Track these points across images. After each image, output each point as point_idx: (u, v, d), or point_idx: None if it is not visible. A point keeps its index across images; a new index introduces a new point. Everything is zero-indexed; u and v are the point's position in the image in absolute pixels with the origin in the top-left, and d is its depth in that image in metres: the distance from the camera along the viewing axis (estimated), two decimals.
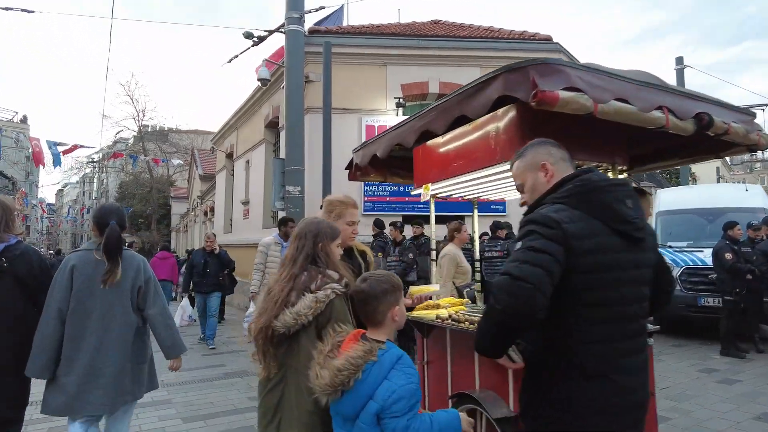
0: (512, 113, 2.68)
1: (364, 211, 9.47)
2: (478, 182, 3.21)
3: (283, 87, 10.14)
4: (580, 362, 1.49)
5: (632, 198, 1.61)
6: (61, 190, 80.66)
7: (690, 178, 19.69)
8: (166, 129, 36.70)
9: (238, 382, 5.63)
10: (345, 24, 12.16)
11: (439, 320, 2.92)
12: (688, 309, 7.44)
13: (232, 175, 15.47)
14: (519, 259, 1.45)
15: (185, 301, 7.31)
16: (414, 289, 2.89)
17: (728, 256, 6.58)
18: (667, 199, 9.86)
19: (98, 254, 2.63)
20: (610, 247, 1.52)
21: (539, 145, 1.79)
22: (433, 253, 3.70)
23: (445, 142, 3.23)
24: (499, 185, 3.30)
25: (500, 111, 2.71)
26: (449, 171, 3.15)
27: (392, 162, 3.96)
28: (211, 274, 7.57)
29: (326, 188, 8.42)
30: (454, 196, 3.76)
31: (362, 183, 9.63)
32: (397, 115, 9.65)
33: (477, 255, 4.18)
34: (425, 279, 7.26)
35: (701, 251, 7.76)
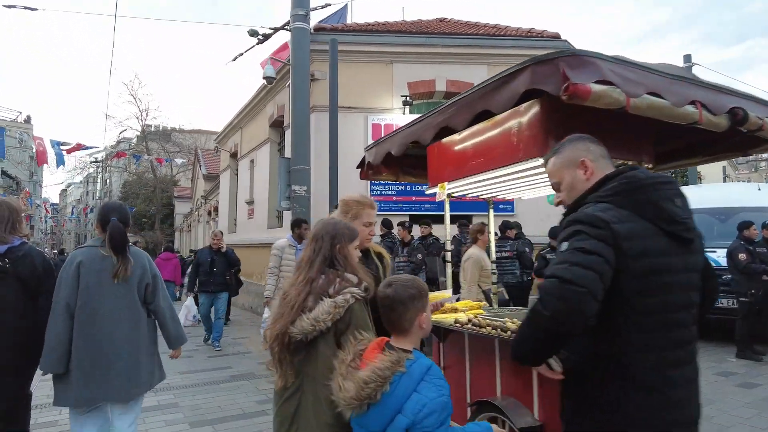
0: (536, 108, 2.58)
1: None
2: (497, 181, 3.10)
3: (289, 85, 10.05)
4: (628, 372, 1.38)
5: (681, 197, 1.50)
6: (64, 190, 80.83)
7: (696, 178, 19.50)
8: (169, 129, 36.68)
9: (245, 384, 5.53)
10: (348, 23, 12.05)
11: (458, 325, 2.81)
12: None
13: (237, 174, 15.38)
14: (568, 261, 1.33)
15: (190, 300, 7.14)
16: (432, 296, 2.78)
17: (742, 256, 6.45)
18: None
19: (104, 250, 2.68)
20: (661, 249, 1.41)
21: (577, 141, 1.68)
22: (449, 254, 3.56)
23: (462, 140, 3.12)
24: (519, 184, 3.19)
25: (523, 106, 2.61)
26: (466, 169, 3.04)
27: (405, 160, 3.85)
28: (218, 273, 7.36)
29: (333, 188, 8.32)
30: (469, 195, 3.65)
31: (369, 182, 9.51)
32: (404, 113, 9.53)
33: (493, 256, 4.07)
34: (434, 280, 7.16)
35: (714, 251, 7.62)
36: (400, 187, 9.53)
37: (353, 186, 9.22)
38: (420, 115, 3.12)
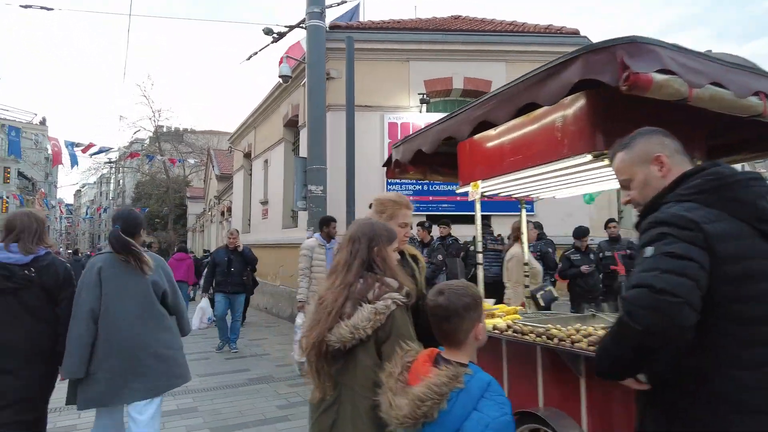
0: (582, 101, 2.43)
1: None
2: (536, 179, 2.95)
3: (304, 84, 9.95)
4: (726, 391, 1.22)
5: None
6: (79, 191, 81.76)
7: None
8: (181, 130, 36.86)
9: (265, 388, 5.42)
10: (361, 21, 11.92)
11: (497, 331, 2.66)
12: None
13: (250, 174, 15.33)
14: (658, 267, 1.18)
15: (204, 302, 6.88)
16: None
17: None
18: None
19: (119, 255, 2.82)
20: (758, 252, 1.25)
21: (649, 135, 1.53)
22: (480, 256, 3.41)
23: (498, 135, 2.97)
24: (557, 182, 3.03)
25: (567, 99, 2.45)
26: (503, 167, 2.88)
27: (434, 158, 3.70)
28: (236, 273, 7.21)
29: (350, 187, 8.19)
30: (502, 194, 3.50)
31: (384, 181, 9.37)
32: (420, 111, 9.38)
33: (526, 257, 3.90)
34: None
35: None
36: (417, 187, 9.38)
37: (370, 186, 9.13)
38: (454, 110, 2.96)
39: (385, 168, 3.88)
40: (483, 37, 10.04)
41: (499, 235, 7.71)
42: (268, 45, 9.63)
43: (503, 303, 4.04)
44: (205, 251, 18.75)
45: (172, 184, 32.80)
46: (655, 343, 1.17)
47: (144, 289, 2.81)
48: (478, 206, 3.36)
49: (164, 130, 34.63)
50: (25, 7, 7.91)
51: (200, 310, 6.70)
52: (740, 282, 1.22)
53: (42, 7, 7.86)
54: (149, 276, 2.82)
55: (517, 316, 3.00)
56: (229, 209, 19.08)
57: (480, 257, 3.38)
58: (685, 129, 2.59)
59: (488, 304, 2.74)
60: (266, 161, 13.37)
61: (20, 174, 45.12)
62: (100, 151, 16.66)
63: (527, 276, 3.90)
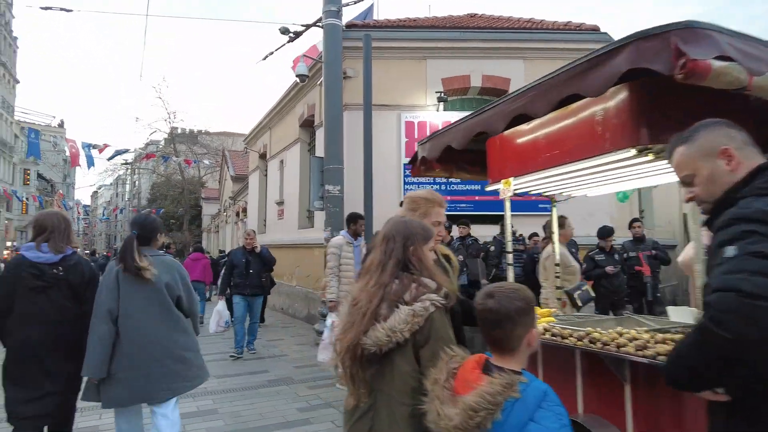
0: (625, 92, 2.30)
1: None
2: (572, 175, 2.82)
3: (320, 84, 9.89)
4: None
5: None
6: (95, 192, 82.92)
7: None
8: (195, 131, 37.14)
9: (284, 390, 5.35)
10: (377, 19, 11.84)
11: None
12: None
13: (266, 175, 15.33)
14: (744, 269, 1.07)
15: (221, 305, 6.69)
16: None
17: None
18: None
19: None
20: None
21: (714, 127, 1.41)
22: (510, 256, 3.30)
23: (531, 130, 2.86)
24: (594, 178, 2.90)
25: (608, 90, 2.33)
26: (538, 163, 2.77)
27: (460, 156, 3.59)
28: (254, 274, 7.04)
29: (367, 187, 8.10)
30: (533, 192, 3.38)
31: (401, 181, 9.30)
32: (437, 110, 9.27)
33: (557, 256, 3.77)
34: (475, 283, 6.88)
35: None
36: (435, 186, 9.25)
37: (386, 185, 9.04)
38: (487, 104, 2.85)
39: (410, 166, 3.77)
40: (501, 35, 9.90)
41: (521, 234, 7.57)
42: (285, 44, 9.58)
43: (538, 304, 3.90)
44: (220, 251, 18.81)
45: (187, 185, 33.04)
46: (746, 353, 1.05)
47: (160, 294, 2.88)
48: (507, 205, 3.24)
49: (179, 131, 34.92)
50: (45, 8, 7.97)
51: (217, 314, 6.59)
52: None
53: (62, 9, 7.92)
54: (162, 279, 2.88)
55: (551, 318, 2.88)
56: (245, 210, 19.12)
57: (510, 257, 3.26)
58: (739, 120, 2.46)
59: None
60: (282, 162, 13.35)
61: (39, 176, 45.90)
62: (116, 154, 16.84)
63: (558, 277, 3.76)
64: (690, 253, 3.00)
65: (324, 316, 8.12)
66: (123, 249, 2.89)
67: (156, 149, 34.43)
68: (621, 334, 2.28)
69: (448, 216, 8.68)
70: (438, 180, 9.40)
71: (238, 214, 21.39)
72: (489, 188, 3.22)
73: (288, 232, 12.37)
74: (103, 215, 75.08)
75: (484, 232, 8.11)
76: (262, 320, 8.75)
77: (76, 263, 2.88)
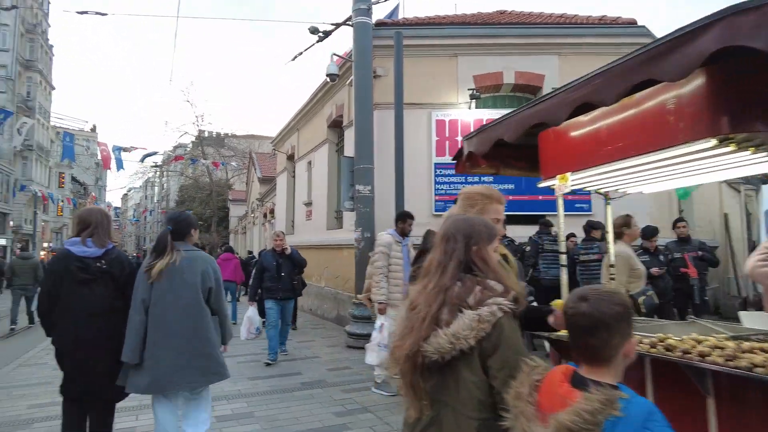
0: (701, 77, 2.11)
1: (435, 210, 8.96)
2: (636, 170, 2.62)
3: (349, 83, 9.81)
4: None
5: None
6: (125, 194, 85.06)
7: None
8: (222, 134, 37.69)
9: (319, 393, 5.25)
10: (407, 17, 11.69)
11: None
12: None
13: (293, 176, 15.35)
14: None
15: (252, 311, 6.49)
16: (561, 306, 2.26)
17: None
18: None
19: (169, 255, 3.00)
20: None
21: None
22: (563, 257, 3.11)
23: (591, 121, 2.67)
24: (662, 173, 2.69)
25: None
26: (599, 157, 2.58)
27: (507, 151, 3.41)
28: (286, 277, 6.81)
29: (399, 187, 7.98)
30: (587, 188, 3.18)
31: (432, 181, 9.13)
32: (469, 108, 9.07)
33: (612, 259, 3.56)
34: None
35: None
36: (466, 185, 9.06)
37: (417, 185, 8.89)
38: (546, 93, 2.67)
39: (455, 162, 3.61)
40: (534, 30, 9.65)
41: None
42: (314, 44, 9.53)
43: None
44: (249, 252, 18.94)
45: (214, 188, 33.51)
46: None
47: (191, 288, 2.98)
48: (560, 202, 3.06)
49: (206, 134, 35.48)
50: (82, 12, 8.09)
51: (248, 320, 6.37)
52: None
53: (97, 13, 8.02)
54: (195, 274, 2.99)
55: None
56: (272, 211, 19.23)
57: (563, 258, 3.07)
58: None
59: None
60: (309, 163, 13.33)
61: (73, 179, 47.28)
62: (146, 156, 17.14)
63: (613, 279, 3.54)
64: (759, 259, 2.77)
65: (355, 317, 8.04)
66: (158, 242, 3.04)
67: (184, 152, 35.08)
68: (699, 342, 2.08)
69: None
70: (470, 179, 9.21)
71: (265, 216, 21.53)
72: (542, 185, 3.05)
73: (316, 232, 12.33)
74: (133, 217, 76.97)
75: (519, 233, 7.88)
76: (294, 325, 8.63)
77: (117, 256, 3.05)
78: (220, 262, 10.37)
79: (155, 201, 72.94)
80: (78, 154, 36.08)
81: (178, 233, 3.07)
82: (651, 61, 1.97)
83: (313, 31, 9.21)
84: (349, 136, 10.03)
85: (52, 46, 41.01)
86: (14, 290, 10.45)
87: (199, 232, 33.09)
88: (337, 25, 9.03)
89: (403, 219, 5.34)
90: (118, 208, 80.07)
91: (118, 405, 3.27)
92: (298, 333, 9.09)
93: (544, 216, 7.63)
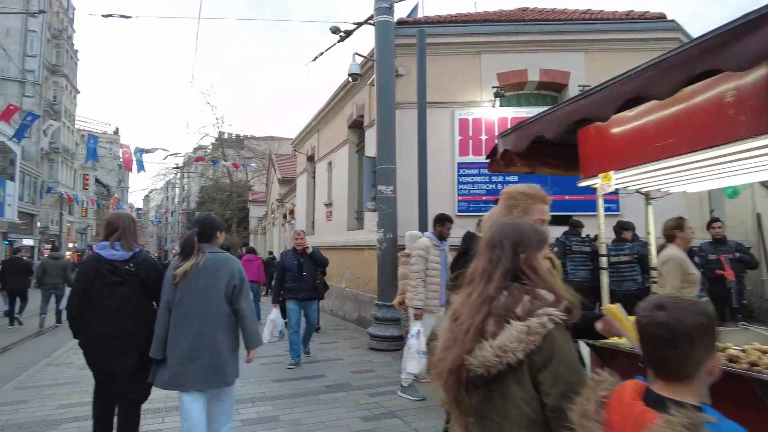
0: (765, 68, 1.95)
1: (458, 211, 8.81)
2: (684, 168, 2.48)
3: (370, 83, 9.74)
4: None
5: None
6: (147, 196, 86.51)
7: None
8: (242, 136, 38.03)
9: (344, 397, 5.17)
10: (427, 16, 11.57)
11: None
12: None
13: (314, 177, 15.34)
14: None
15: (275, 313, 6.33)
16: (614, 311, 2.05)
17: None
18: None
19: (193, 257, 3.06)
20: None
21: None
22: (604, 260, 2.96)
23: (636, 117, 2.54)
24: (714, 170, 2.54)
25: None
26: (647, 154, 2.44)
27: (543, 149, 3.28)
28: (308, 276, 6.67)
29: (422, 187, 7.86)
30: (628, 188, 3.03)
31: (455, 181, 8.99)
32: (493, 106, 8.91)
33: (654, 261, 3.40)
34: None
35: None
36: (491, 186, 8.92)
37: (440, 185, 8.76)
38: (591, 87, 2.53)
39: (488, 161, 3.49)
40: (559, 26, 9.43)
41: (588, 235, 7.12)
42: (335, 44, 9.47)
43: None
44: (269, 253, 19.03)
45: (235, 189, 33.80)
46: None
47: (212, 289, 3.01)
48: (600, 202, 2.92)
49: (226, 136, 35.84)
50: (107, 16, 8.19)
51: (271, 323, 6.22)
52: None
53: (122, 15, 8.11)
54: (220, 275, 3.03)
55: None
56: (292, 212, 19.28)
57: (604, 261, 2.93)
58: None
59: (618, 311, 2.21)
60: (330, 163, 13.30)
61: (97, 180, 48.24)
62: (170, 155, 17.32)
63: (655, 282, 3.38)
64: None
65: (377, 319, 7.94)
66: (184, 244, 3.09)
67: (204, 153, 35.48)
68: (764, 352, 1.93)
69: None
70: (494, 179, 9.05)
71: (285, 216, 21.61)
72: (582, 184, 2.91)
73: (337, 233, 12.29)
74: (155, 218, 78.26)
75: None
76: (317, 328, 8.55)
77: (144, 259, 3.18)
78: (244, 262, 10.39)
79: (176, 202, 74.03)
80: (101, 156, 36.83)
81: (205, 235, 3.13)
82: (713, 50, 1.83)
83: (335, 30, 9.15)
84: (370, 136, 9.95)
85: (77, 50, 41.88)
86: (44, 289, 10.72)
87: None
88: (359, 25, 8.95)
89: (442, 222, 5.15)
90: (140, 209, 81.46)
91: (144, 407, 3.34)
92: (320, 334, 9.04)
93: (571, 216, 7.43)
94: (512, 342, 1.37)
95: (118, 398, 3.17)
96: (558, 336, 1.39)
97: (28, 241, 29.15)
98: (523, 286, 1.49)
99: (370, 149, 9.53)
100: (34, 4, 31.60)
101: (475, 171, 8.89)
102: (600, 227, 2.97)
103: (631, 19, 9.69)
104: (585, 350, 2.79)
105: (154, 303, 3.25)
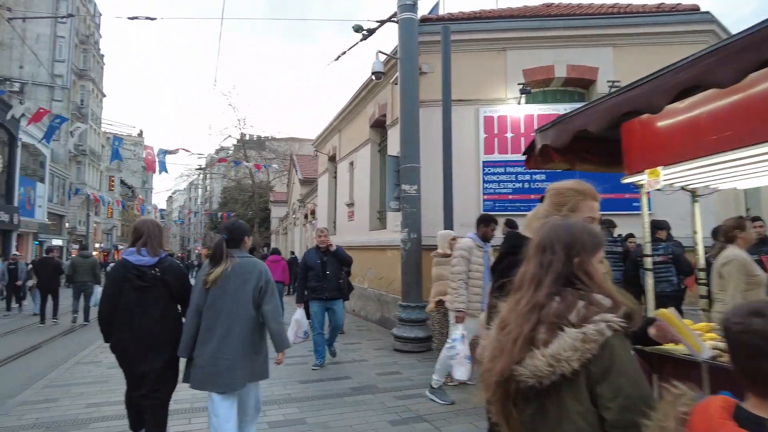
0: None
1: (483, 210, 8.63)
2: (740, 163, 2.32)
3: (393, 82, 9.64)
4: None
5: None
6: (170, 197, 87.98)
7: None
8: (263, 138, 38.34)
9: (370, 399, 5.08)
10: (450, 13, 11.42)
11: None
12: None
13: (335, 177, 15.33)
14: None
15: (299, 313, 6.23)
16: (668, 316, 1.92)
17: None
18: None
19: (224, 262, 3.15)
20: None
21: None
22: (648, 260, 2.81)
23: (687, 109, 2.39)
24: (757, 168, 2.37)
25: None
26: (700, 148, 2.29)
27: (580, 144, 3.13)
28: (331, 275, 6.48)
29: (447, 186, 7.74)
30: (675, 185, 2.87)
31: (480, 180, 8.82)
32: (519, 103, 8.73)
33: (701, 261, 3.23)
34: None
35: None
36: (517, 185, 8.74)
37: (465, 184, 8.61)
38: (639, 78, 2.39)
39: (525, 157, 3.35)
40: (586, 21, 9.18)
41: (620, 235, 6.91)
42: (358, 43, 9.41)
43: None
44: (291, 253, 19.10)
45: (256, 189, 34.09)
46: None
47: (240, 293, 3.10)
48: (644, 200, 2.76)
49: (247, 137, 36.18)
50: (132, 18, 8.29)
51: (295, 323, 6.11)
52: None
53: (147, 17, 8.19)
54: (248, 280, 3.12)
55: (714, 335, 2.38)
56: (313, 212, 19.31)
57: (648, 261, 2.77)
58: None
59: (674, 316, 2.05)
60: (351, 163, 13.25)
61: (122, 182, 49.24)
62: (193, 155, 17.49)
63: (703, 284, 3.20)
64: None
65: (401, 320, 7.84)
66: (214, 250, 3.17)
67: (227, 155, 35.88)
68: None
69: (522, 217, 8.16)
70: (520, 177, 8.86)
71: (306, 216, 21.67)
72: (626, 180, 2.76)
73: (359, 233, 12.23)
74: (178, 218, 79.52)
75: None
76: (342, 331, 8.44)
77: (170, 264, 3.31)
78: (269, 263, 10.44)
79: (199, 203, 75.11)
80: (126, 158, 37.57)
81: (233, 241, 3.24)
82: None
83: (357, 29, 9.08)
84: (393, 135, 9.85)
85: (103, 55, 42.80)
86: (74, 287, 11.08)
87: None
88: (382, 22, 8.87)
89: (486, 222, 4.97)
90: (164, 209, 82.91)
91: (171, 408, 3.42)
92: (344, 335, 8.97)
93: (604, 215, 7.21)
94: (566, 350, 1.26)
95: (145, 398, 3.26)
96: (617, 344, 1.28)
97: (57, 242, 29.87)
98: (577, 290, 1.37)
99: (393, 148, 9.44)
100: (62, 11, 32.39)
101: (501, 169, 8.72)
102: (644, 226, 2.82)
103: (661, 11, 9.39)
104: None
105: (179, 306, 3.40)
